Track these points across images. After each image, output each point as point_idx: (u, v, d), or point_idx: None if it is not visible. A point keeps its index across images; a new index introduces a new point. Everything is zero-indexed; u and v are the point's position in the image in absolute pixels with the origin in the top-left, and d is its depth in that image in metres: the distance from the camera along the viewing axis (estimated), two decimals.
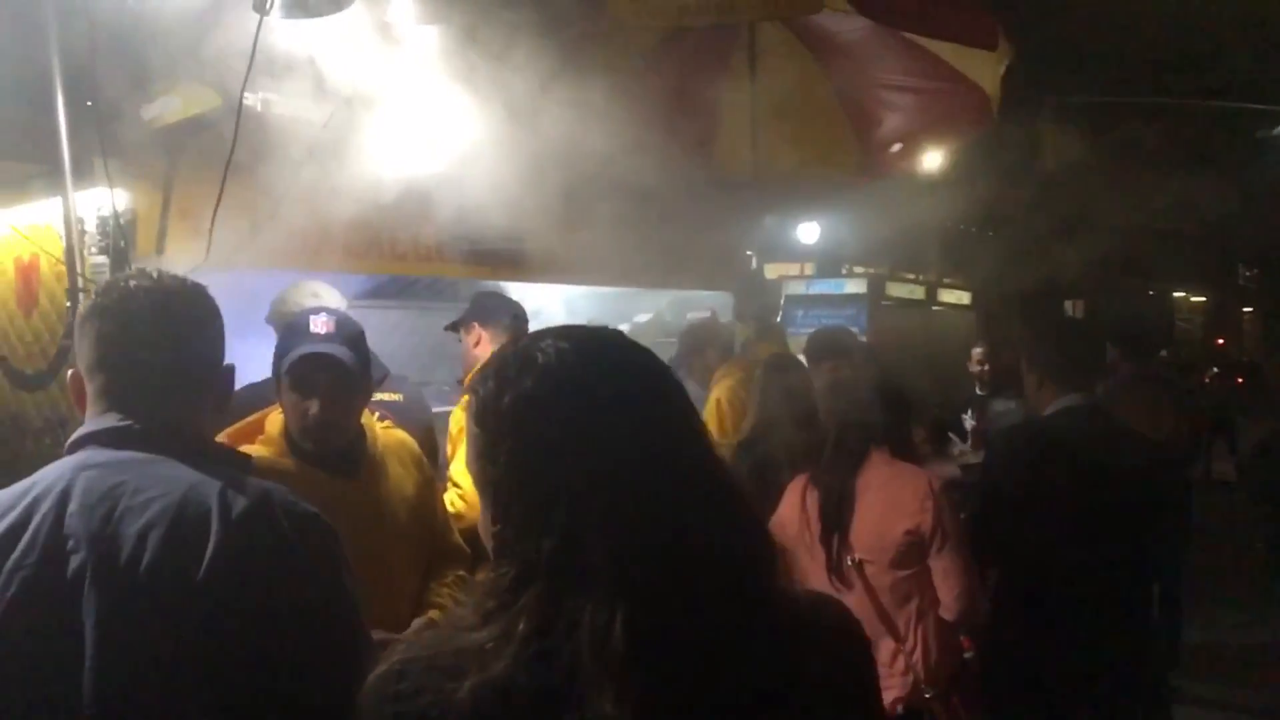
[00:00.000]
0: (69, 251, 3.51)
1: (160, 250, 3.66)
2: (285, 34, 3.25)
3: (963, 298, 11.40)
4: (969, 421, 5.67)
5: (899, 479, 3.23)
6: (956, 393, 6.55)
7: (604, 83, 4.47)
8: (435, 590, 2.69)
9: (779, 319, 7.10)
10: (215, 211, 3.14)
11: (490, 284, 5.16)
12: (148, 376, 1.73)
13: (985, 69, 5.70)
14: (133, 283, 1.77)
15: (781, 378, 4.00)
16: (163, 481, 1.63)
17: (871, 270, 10.93)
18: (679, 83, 5.72)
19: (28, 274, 4.03)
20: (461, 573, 2.82)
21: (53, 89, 3.37)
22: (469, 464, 1.27)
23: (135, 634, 1.54)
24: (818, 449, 3.38)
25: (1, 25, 3.33)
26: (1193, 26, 10.60)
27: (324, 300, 3.44)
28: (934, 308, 10.82)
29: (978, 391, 6.39)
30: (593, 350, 1.23)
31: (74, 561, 1.57)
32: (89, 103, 3.42)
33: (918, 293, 10.63)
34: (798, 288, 9.16)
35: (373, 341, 2.79)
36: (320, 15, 3.01)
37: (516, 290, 5.92)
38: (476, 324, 4.15)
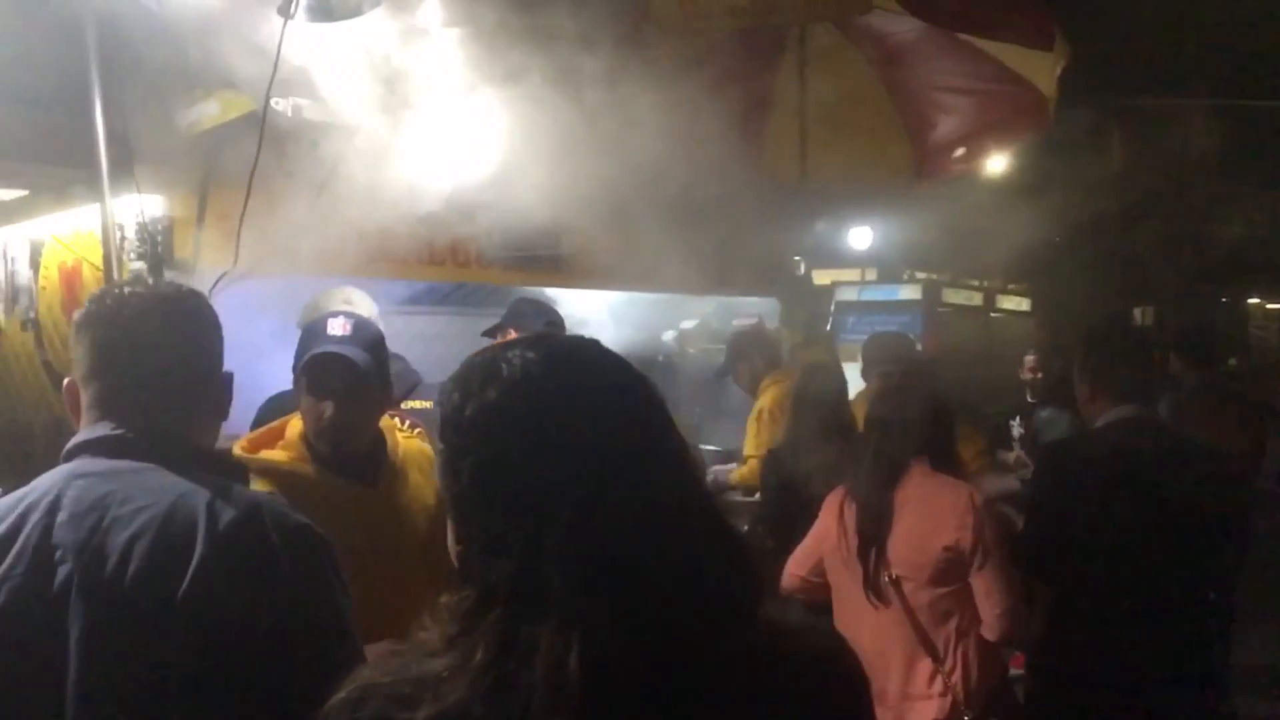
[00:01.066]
0: (107, 258, 3.53)
1: (196, 256, 3.66)
2: (317, 38, 3.24)
3: (1022, 304, 11.13)
4: (1017, 429, 5.51)
5: (939, 493, 3.12)
6: (1013, 401, 6.38)
7: (649, 87, 4.42)
8: None
9: (829, 326, 7.01)
10: (242, 217, 3.14)
11: (532, 290, 5.13)
12: (142, 384, 1.70)
13: (1041, 69, 5.56)
14: (127, 290, 1.74)
15: (815, 387, 3.89)
16: (152, 491, 1.60)
17: (928, 276, 10.73)
18: (726, 86, 5.65)
19: (71, 279, 4.08)
20: None
21: (91, 95, 3.39)
22: (438, 479, 1.22)
23: (118, 647, 1.51)
24: (853, 460, 3.28)
25: (41, 32, 3.36)
26: (1267, 25, 10.27)
27: (356, 306, 3.42)
28: (993, 314, 10.57)
29: (1028, 399, 6.21)
30: (561, 361, 1.16)
31: (61, 572, 1.55)
32: (126, 109, 3.44)
33: (975, 299, 10.38)
34: (849, 294, 9.01)
35: (413, 348, 2.78)
36: (345, 18, 2.98)
37: (560, 297, 5.91)
38: (512, 330, 4.13)
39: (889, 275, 10.35)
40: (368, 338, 2.58)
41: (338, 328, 2.55)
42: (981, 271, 11.50)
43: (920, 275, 10.64)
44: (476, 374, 1.16)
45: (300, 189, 3.35)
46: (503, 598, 1.07)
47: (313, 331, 2.59)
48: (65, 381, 1.76)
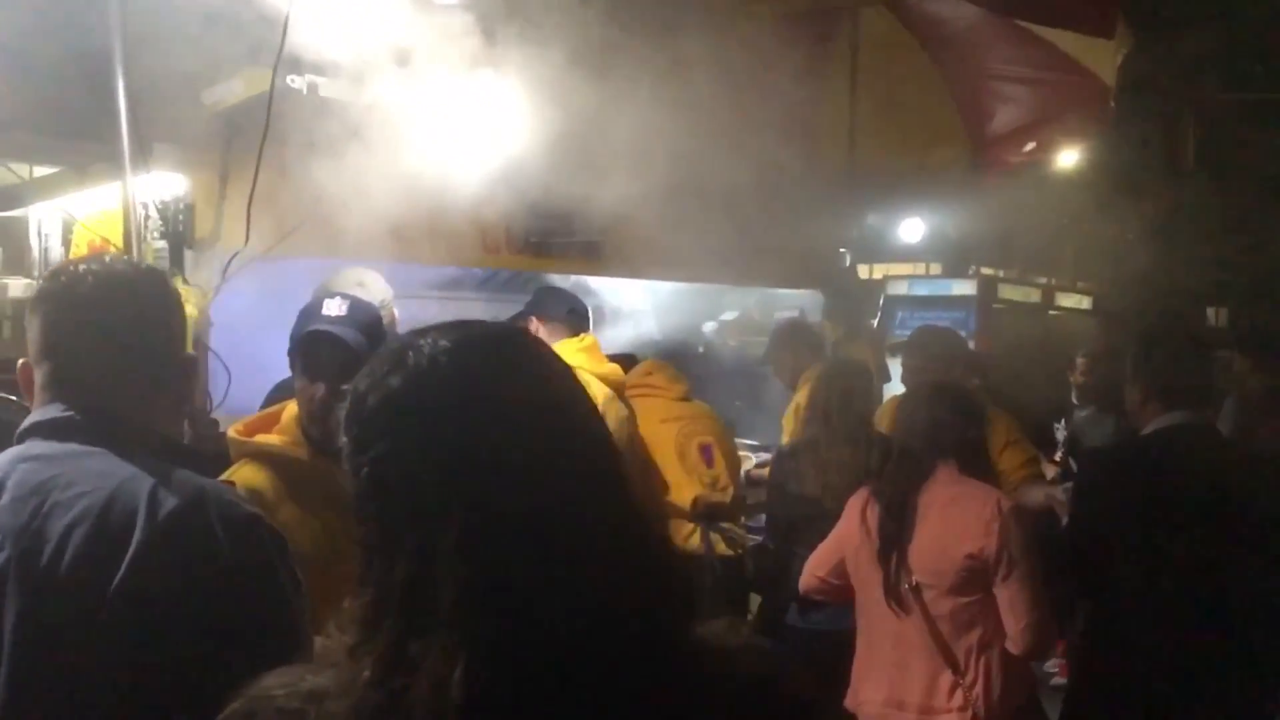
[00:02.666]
0: (126, 236, 3.50)
1: (217, 235, 3.62)
2: (335, 12, 3.17)
3: (1083, 302, 10.77)
4: (1060, 431, 5.29)
5: (965, 498, 2.97)
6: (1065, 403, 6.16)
7: (694, 71, 4.30)
8: None
9: (877, 321, 6.84)
10: (251, 196, 3.09)
11: (565, 278, 5.04)
12: (93, 365, 1.63)
13: (1102, 57, 5.37)
14: (82, 267, 1.67)
15: (837, 385, 3.74)
16: (95, 476, 1.53)
17: (993, 272, 10.45)
18: (774, 71, 5.52)
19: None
20: None
21: (113, 71, 3.36)
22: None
23: (48, 638, 1.46)
24: (876, 462, 3.15)
25: (64, 5, 3.34)
26: None
27: (369, 289, 3.36)
28: (1051, 312, 10.24)
29: (1074, 400, 5.99)
30: (475, 350, 1.05)
31: None
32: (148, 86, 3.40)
33: (1033, 296, 10.07)
34: (899, 288, 8.77)
35: None
36: None
37: (600, 286, 5.82)
38: (534, 318, 4.05)
39: (953, 271, 10.09)
40: (364, 319, 2.51)
41: (333, 308, 2.48)
42: (1045, 268, 11.19)
43: (986, 271, 10.36)
44: (385, 361, 1.06)
45: (318, 169, 3.28)
46: (395, 607, 0.98)
47: (308, 311, 2.52)
48: (20, 362, 1.70)
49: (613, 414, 3.86)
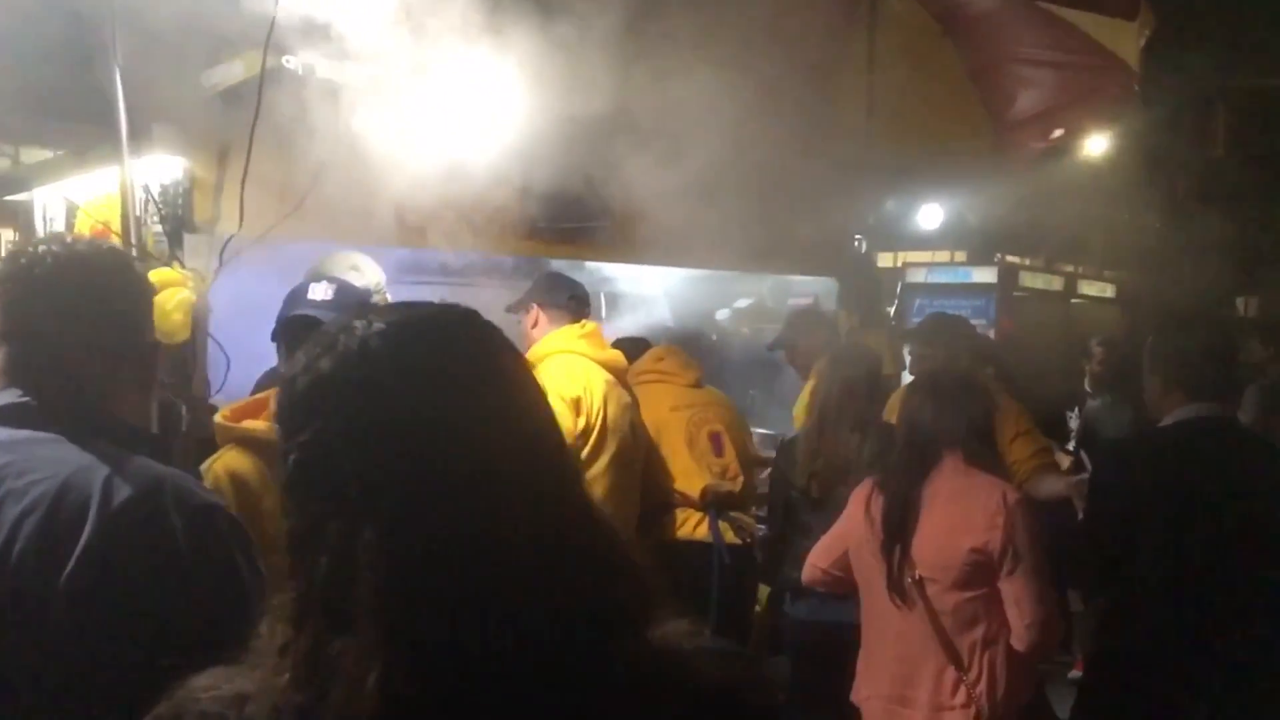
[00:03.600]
0: (124, 220, 3.47)
1: (217, 219, 3.58)
2: None
3: (1106, 290, 10.59)
4: (1074, 420, 5.18)
5: (970, 489, 2.89)
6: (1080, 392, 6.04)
7: (705, 52, 4.22)
8: None
9: (894, 309, 6.74)
10: (244, 179, 3.04)
11: (575, 265, 4.97)
12: (51, 349, 1.59)
13: (1125, 39, 5.26)
14: (42, 248, 1.63)
15: (839, 373, 3.65)
16: (50, 463, 1.49)
17: (1020, 260, 10.30)
18: (791, 55, 5.42)
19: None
20: None
21: (110, 54, 3.32)
22: None
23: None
24: (871, 452, 3.08)
25: None
26: None
27: (364, 273, 3.31)
28: (1074, 300, 10.07)
29: (1086, 389, 5.87)
30: (410, 333, 0.99)
31: None
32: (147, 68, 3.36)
33: (1055, 284, 9.90)
34: (918, 276, 8.65)
35: None
36: None
37: (611, 273, 5.74)
38: (535, 305, 3.99)
39: (979, 260, 9.94)
40: (350, 304, 2.46)
41: (319, 292, 2.44)
42: (1072, 256, 11.01)
43: (1012, 259, 10.20)
44: (318, 343, 1.01)
45: (316, 151, 3.23)
46: (318, 603, 0.92)
47: (293, 295, 2.49)
48: None
49: (614, 400, 3.80)
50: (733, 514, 4.24)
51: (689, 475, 4.17)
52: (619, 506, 3.77)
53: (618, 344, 4.86)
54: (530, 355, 3.85)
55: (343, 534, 0.91)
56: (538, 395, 1.05)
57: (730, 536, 4.18)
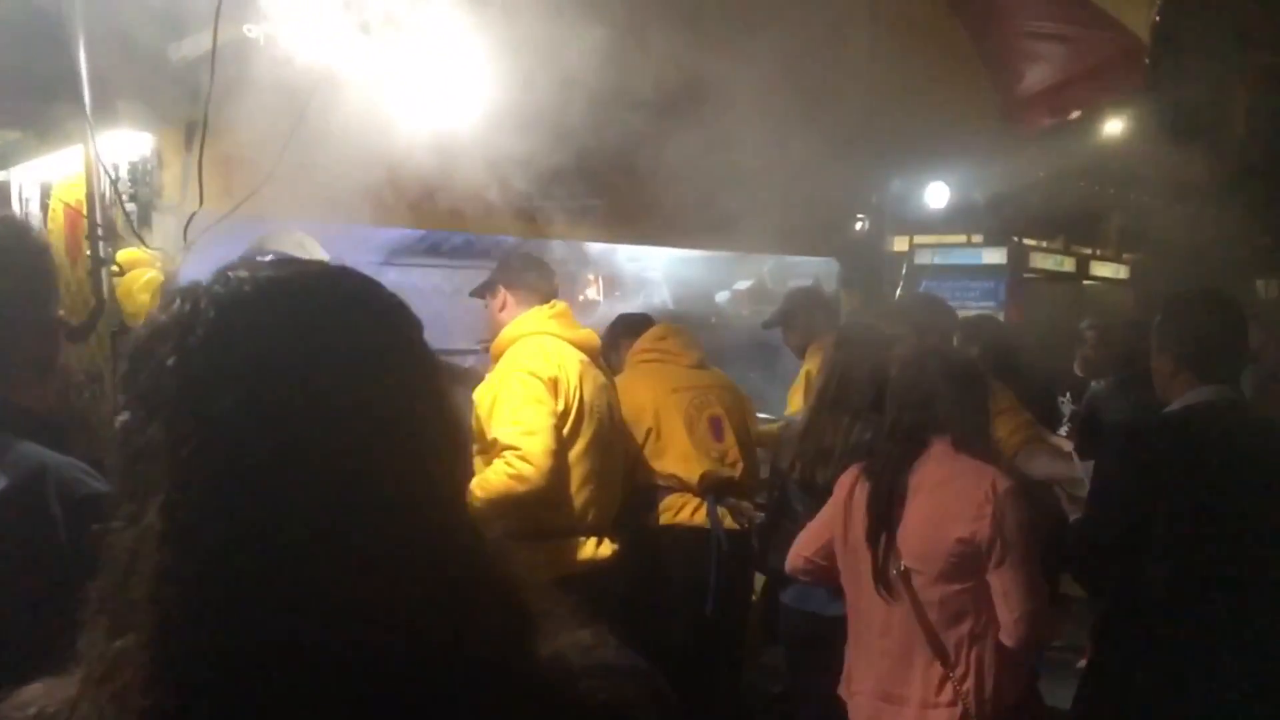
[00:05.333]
0: (90, 198, 3.37)
1: (185, 197, 3.47)
2: None
3: (1120, 271, 10.37)
4: (1067, 406, 5.02)
5: (958, 476, 2.75)
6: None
7: (702, 28, 4.09)
8: None
9: (898, 290, 6.58)
10: (200, 155, 2.94)
11: (569, 245, 4.85)
12: None
13: (1135, 12, 5.09)
14: None
15: (845, 356, 3.51)
16: None
17: (1037, 243, 10.10)
18: (788, 28, 5.28)
19: (74, 223, 3.94)
20: None
21: (73, 29, 3.21)
22: None
23: None
24: (857, 437, 2.95)
25: None
26: None
27: (309, 252, 3.18)
28: (1086, 282, 9.86)
29: (1077, 372, 5.72)
30: (273, 295, 0.85)
31: None
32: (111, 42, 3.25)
33: (1066, 264, 9.70)
34: (925, 257, 8.47)
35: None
36: None
37: (607, 252, 5.62)
38: (502, 287, 3.85)
39: (993, 243, 9.75)
40: None
41: None
42: (1088, 239, 10.80)
43: (1033, 244, 9.99)
44: (167, 305, 0.87)
45: (279, 125, 3.12)
46: (111, 598, 0.81)
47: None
48: None
49: (590, 381, 3.68)
50: (731, 500, 4.13)
51: (688, 460, 4.06)
52: (599, 490, 3.65)
53: (620, 320, 4.74)
54: (501, 339, 3.73)
55: (134, 516, 0.79)
56: (429, 383, 0.90)
57: (729, 523, 4.08)
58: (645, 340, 4.38)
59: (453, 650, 0.80)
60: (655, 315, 5.16)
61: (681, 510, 4.05)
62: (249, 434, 0.78)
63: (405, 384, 0.87)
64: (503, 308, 3.81)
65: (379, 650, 0.76)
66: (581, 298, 6.19)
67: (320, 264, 0.96)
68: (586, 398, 3.62)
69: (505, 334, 3.71)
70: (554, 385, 3.52)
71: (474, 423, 3.59)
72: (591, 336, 3.88)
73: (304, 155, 3.29)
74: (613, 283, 6.18)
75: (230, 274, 0.87)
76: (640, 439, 4.06)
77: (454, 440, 0.92)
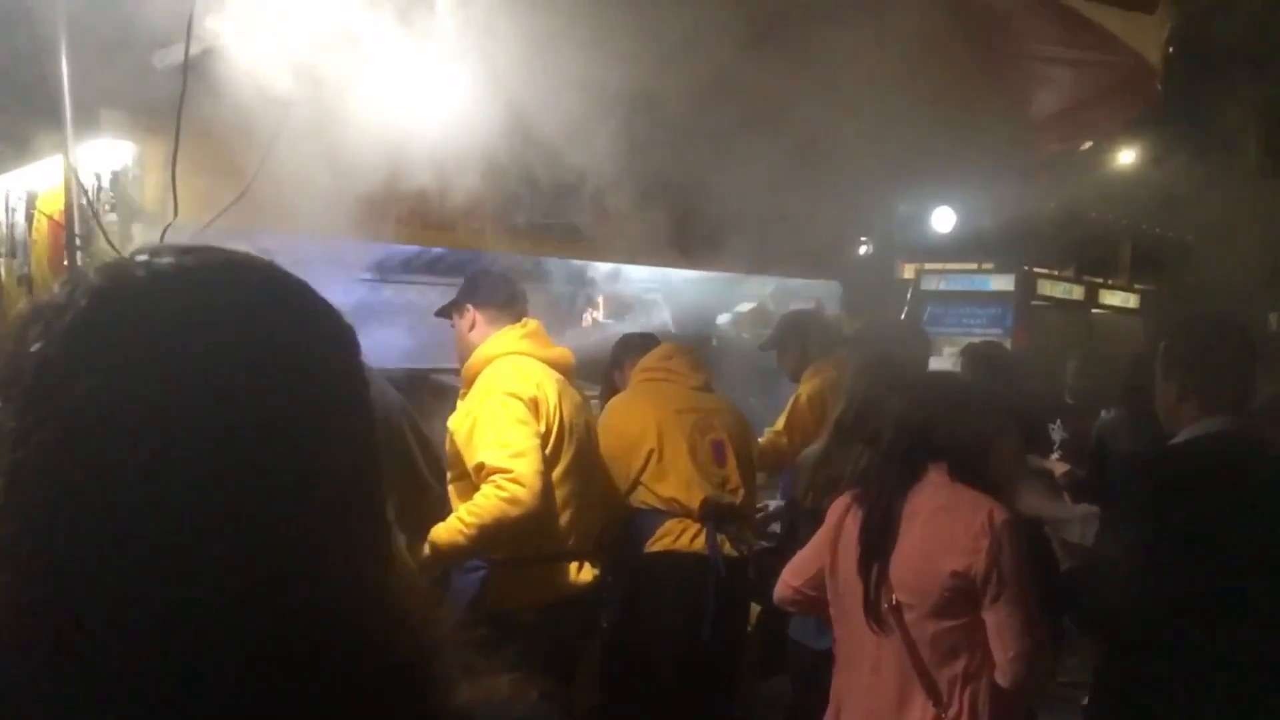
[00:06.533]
0: (68, 208, 3.31)
1: (165, 206, 3.39)
2: None
3: (1129, 300, 10.25)
4: (1057, 434, 4.89)
5: (953, 507, 2.62)
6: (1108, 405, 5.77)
7: (694, 44, 4.00)
8: None
9: (903, 316, 6.50)
10: (174, 166, 2.86)
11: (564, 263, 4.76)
12: None
13: (1146, 36, 5.00)
14: None
15: (868, 382, 3.35)
16: None
17: (1048, 271, 10.01)
18: (788, 47, 5.22)
19: (58, 233, 3.88)
20: None
21: (57, 37, 3.16)
22: None
23: None
24: (865, 465, 2.83)
25: None
26: None
27: None
28: (1095, 310, 9.75)
29: (1067, 400, 5.60)
30: (164, 283, 0.76)
31: None
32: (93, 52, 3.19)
33: (1075, 292, 9.58)
34: (932, 283, 8.35)
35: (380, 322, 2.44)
36: None
37: (608, 273, 5.52)
38: (470, 306, 3.74)
39: (1003, 269, 9.65)
40: None
41: None
42: (1099, 269, 10.70)
43: (1041, 272, 9.90)
44: (62, 290, 0.77)
45: (258, 136, 3.04)
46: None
47: None
48: None
49: (568, 400, 3.59)
50: (732, 527, 4.03)
51: (689, 485, 3.96)
52: (580, 513, 3.55)
53: (625, 340, 4.65)
54: (474, 360, 3.62)
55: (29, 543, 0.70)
56: (352, 396, 0.81)
57: (728, 549, 3.97)
58: (651, 359, 4.29)
59: (331, 706, 0.70)
60: (657, 337, 5.08)
61: (681, 535, 3.95)
62: (100, 431, 0.69)
63: (303, 395, 0.77)
64: (472, 327, 3.69)
65: (228, 703, 0.66)
66: (588, 321, 6.10)
67: (248, 257, 0.85)
68: (566, 418, 3.52)
69: (478, 355, 3.60)
70: (535, 406, 3.42)
71: (449, 448, 3.49)
72: (566, 355, 3.78)
73: (283, 166, 3.22)
74: (613, 303, 6.10)
75: (132, 259, 0.78)
76: (641, 460, 3.96)
77: (367, 473, 0.81)
